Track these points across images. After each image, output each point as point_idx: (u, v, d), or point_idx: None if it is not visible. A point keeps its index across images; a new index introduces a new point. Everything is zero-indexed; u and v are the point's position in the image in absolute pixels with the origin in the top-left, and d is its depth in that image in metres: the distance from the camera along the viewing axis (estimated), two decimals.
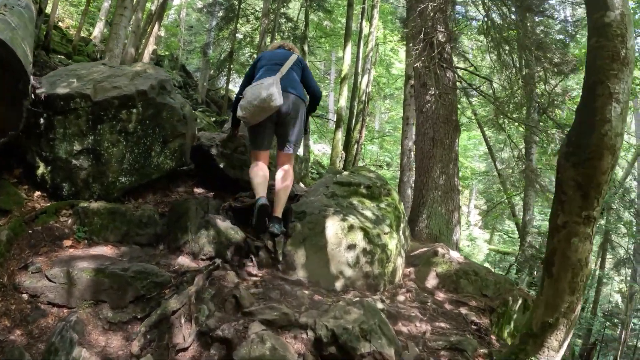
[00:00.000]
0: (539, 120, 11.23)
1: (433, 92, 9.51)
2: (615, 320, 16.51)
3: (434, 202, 9.33)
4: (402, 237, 6.43)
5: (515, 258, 15.16)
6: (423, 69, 9.74)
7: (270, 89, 4.89)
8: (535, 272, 14.41)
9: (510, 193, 17.62)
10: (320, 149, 28.78)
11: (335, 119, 17.50)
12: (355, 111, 17.55)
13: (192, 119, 6.68)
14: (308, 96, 5.77)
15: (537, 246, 15.78)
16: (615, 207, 15.15)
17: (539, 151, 15.66)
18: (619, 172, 18.40)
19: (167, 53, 24.66)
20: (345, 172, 6.79)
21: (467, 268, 6.31)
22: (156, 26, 15.16)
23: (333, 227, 5.27)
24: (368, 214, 5.86)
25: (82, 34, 16.40)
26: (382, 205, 6.24)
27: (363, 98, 17.58)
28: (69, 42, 15.38)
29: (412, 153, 14.29)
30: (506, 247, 24.98)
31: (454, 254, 6.68)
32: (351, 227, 5.33)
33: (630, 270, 17.20)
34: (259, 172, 5.21)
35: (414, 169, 12.37)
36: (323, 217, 5.32)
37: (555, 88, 10.39)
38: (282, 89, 5.06)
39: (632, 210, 15.40)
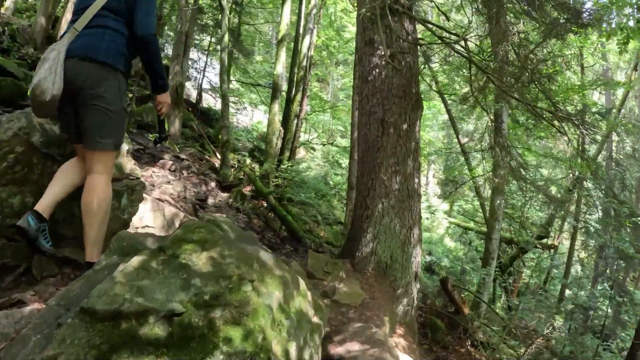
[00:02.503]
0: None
1: (383, 53, 6.15)
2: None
3: (384, 216, 6.12)
4: None
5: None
6: (369, 19, 6.34)
7: (39, 73, 3.09)
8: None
9: (474, 173, 14.47)
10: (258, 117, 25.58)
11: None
12: (295, 79, 14.02)
13: None
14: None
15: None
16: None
17: (512, 126, 12.37)
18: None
19: None
20: (138, 259, 2.55)
21: None
22: None
23: None
24: None
25: None
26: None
27: (304, 63, 14.09)
28: None
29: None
30: (466, 220, 22.17)
31: None
32: None
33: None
34: (61, 169, 3.46)
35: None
36: None
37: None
38: (73, 56, 3.22)
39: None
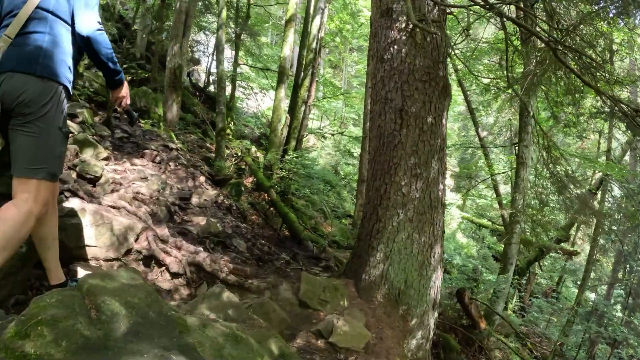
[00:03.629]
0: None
1: (404, 25, 4.78)
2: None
3: (399, 231, 4.82)
4: None
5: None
6: None
7: None
8: None
9: (493, 170, 13.12)
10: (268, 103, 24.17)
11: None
12: (304, 62, 12.62)
13: None
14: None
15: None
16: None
17: (544, 120, 10.94)
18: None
19: (101, 2, 20.16)
20: None
21: None
22: None
23: None
24: None
25: None
26: None
27: (314, 45, 12.66)
28: None
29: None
30: (479, 216, 20.94)
31: None
32: None
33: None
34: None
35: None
36: None
37: None
38: (7, 69, 2.63)
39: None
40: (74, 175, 5.63)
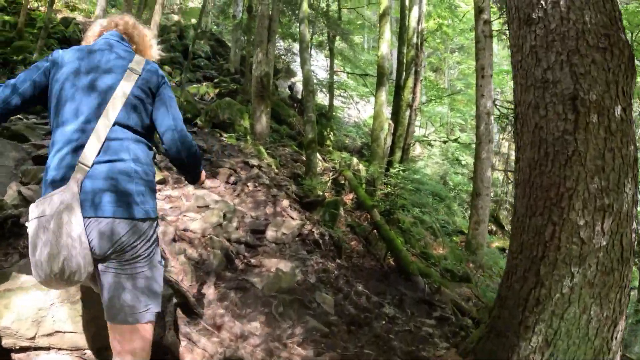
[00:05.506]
0: None
1: None
2: None
3: (572, 301, 2.85)
4: None
5: None
6: None
7: (50, 246, 1.89)
8: None
9: None
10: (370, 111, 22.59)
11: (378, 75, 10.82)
12: (404, 60, 10.71)
13: None
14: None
15: None
16: None
17: None
18: None
19: (193, 22, 21.31)
20: None
21: None
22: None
23: None
24: None
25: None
26: None
27: (414, 40, 10.70)
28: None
29: (492, 118, 9.47)
30: None
31: None
32: None
33: None
34: None
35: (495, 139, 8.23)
36: None
37: None
38: (97, 215, 1.95)
39: None
40: None
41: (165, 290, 3.38)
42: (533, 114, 3.05)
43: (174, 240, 4.23)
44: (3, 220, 3.45)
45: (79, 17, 17.60)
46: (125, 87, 2.10)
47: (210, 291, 3.67)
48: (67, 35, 14.12)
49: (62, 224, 1.86)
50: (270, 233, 5.40)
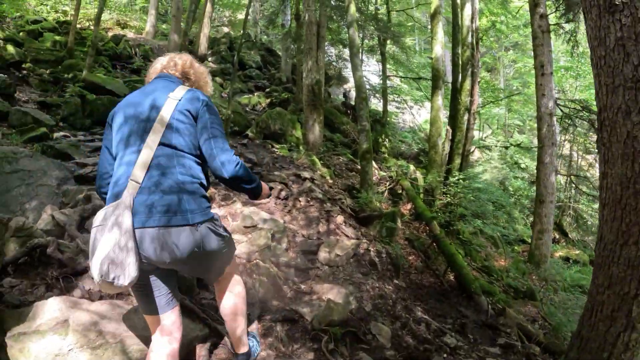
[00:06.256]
0: None
1: None
2: None
3: None
4: None
5: None
6: None
7: (101, 251, 2.15)
8: None
9: None
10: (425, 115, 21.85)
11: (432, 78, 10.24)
12: (460, 61, 10.09)
13: None
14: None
15: None
16: None
17: None
18: None
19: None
20: None
21: None
22: (209, 5, 12.51)
23: None
24: None
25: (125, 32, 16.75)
26: None
27: (469, 39, 10.06)
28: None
29: (554, 119, 9.14)
30: None
31: None
32: None
33: None
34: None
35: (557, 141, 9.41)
36: None
37: None
38: (151, 225, 2.24)
39: None
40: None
41: (201, 330, 3.00)
42: (624, 121, 2.48)
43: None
44: (32, 249, 3.29)
45: (130, 34, 17.92)
46: (166, 113, 2.37)
47: (253, 326, 3.24)
48: (118, 52, 14.40)
49: (113, 232, 2.13)
50: (322, 254, 4.92)
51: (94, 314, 2.65)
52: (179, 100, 2.42)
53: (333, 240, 5.25)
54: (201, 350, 2.84)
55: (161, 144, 2.34)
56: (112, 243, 2.12)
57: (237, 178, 2.47)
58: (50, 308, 2.56)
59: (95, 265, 2.11)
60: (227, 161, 2.43)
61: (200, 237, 2.32)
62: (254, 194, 2.70)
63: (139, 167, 2.29)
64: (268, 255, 4.44)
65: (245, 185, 2.56)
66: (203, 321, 3.05)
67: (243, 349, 2.79)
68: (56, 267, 3.33)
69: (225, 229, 2.57)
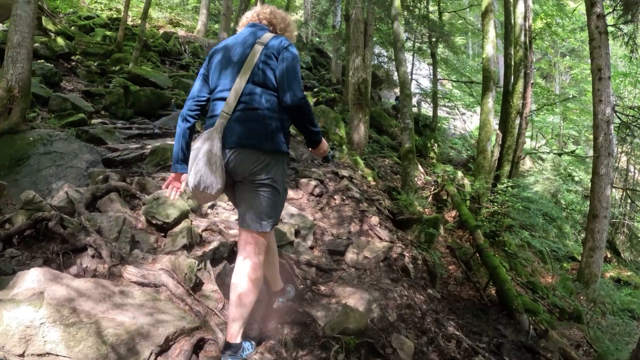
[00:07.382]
0: None
1: None
2: None
3: None
4: None
5: None
6: None
7: (197, 169, 2.67)
8: None
9: None
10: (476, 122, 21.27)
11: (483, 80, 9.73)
12: (512, 61, 9.55)
13: None
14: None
15: None
16: None
17: None
18: None
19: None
20: None
21: None
22: (259, 5, 12.12)
23: None
24: None
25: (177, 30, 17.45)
26: None
27: (522, 39, 9.55)
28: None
29: (612, 127, 8.59)
30: None
31: None
32: None
33: None
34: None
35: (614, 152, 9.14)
36: None
37: None
38: (235, 146, 2.72)
39: None
40: (142, 219, 3.77)
41: (189, 322, 2.73)
42: None
43: (226, 258, 3.57)
44: (36, 222, 3.39)
45: (181, 32, 18.24)
46: (254, 55, 2.75)
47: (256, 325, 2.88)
48: (168, 48, 14.72)
49: (205, 152, 2.60)
50: (350, 255, 4.50)
51: (72, 290, 2.58)
52: (266, 44, 2.80)
53: (363, 241, 4.82)
54: (184, 345, 2.61)
55: (249, 81, 2.74)
56: (205, 160, 2.59)
57: (300, 110, 2.74)
58: (29, 278, 2.55)
59: (191, 177, 2.64)
60: (296, 93, 2.70)
61: (265, 162, 2.71)
62: (314, 141, 2.95)
63: (231, 100, 2.71)
64: (289, 251, 4.08)
65: (309, 125, 2.84)
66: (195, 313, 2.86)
67: (234, 340, 2.71)
68: (59, 242, 3.30)
69: (284, 182, 2.90)
